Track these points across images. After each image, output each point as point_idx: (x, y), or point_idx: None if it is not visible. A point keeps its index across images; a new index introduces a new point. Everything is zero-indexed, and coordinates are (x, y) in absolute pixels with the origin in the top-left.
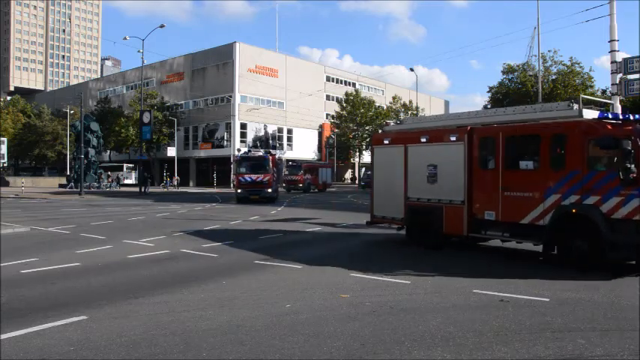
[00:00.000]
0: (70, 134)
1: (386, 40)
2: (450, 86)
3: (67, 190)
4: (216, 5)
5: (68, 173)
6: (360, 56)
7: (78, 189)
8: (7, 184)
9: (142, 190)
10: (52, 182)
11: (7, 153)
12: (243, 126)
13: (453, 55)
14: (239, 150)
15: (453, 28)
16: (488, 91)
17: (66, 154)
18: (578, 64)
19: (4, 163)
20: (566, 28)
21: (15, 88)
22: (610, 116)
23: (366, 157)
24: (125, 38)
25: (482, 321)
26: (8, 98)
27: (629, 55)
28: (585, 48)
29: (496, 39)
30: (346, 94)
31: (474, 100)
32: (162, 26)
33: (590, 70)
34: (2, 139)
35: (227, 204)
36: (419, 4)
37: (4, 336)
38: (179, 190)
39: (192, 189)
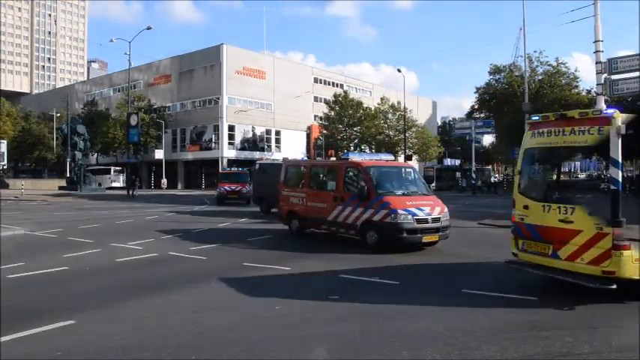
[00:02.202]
0: (56, 137)
1: (341, 40)
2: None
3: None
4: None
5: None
6: (322, 56)
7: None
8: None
9: (130, 193)
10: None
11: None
12: (231, 128)
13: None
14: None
15: (403, 28)
16: (475, 92)
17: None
18: (564, 64)
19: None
20: (551, 28)
21: None
22: None
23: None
24: (112, 40)
25: (471, 320)
26: None
27: (613, 56)
28: (571, 46)
29: (481, 40)
30: (335, 95)
31: (456, 102)
32: (149, 28)
33: (576, 71)
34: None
35: (215, 206)
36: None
37: None
38: (160, 192)
39: (180, 192)
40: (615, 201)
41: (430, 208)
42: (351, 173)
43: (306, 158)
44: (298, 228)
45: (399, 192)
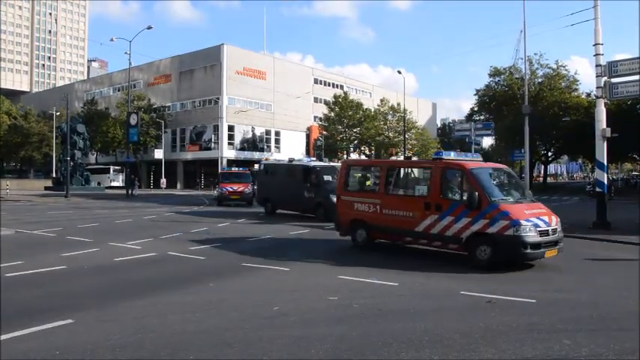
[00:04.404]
0: (56, 136)
1: (339, 41)
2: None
3: (55, 192)
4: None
5: (54, 175)
6: (321, 57)
7: (64, 192)
8: None
9: (130, 192)
10: (38, 185)
11: None
12: (231, 128)
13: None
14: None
15: (399, 30)
16: (475, 94)
17: (52, 156)
18: (564, 67)
19: None
20: (550, 31)
21: None
22: None
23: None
24: (112, 40)
25: (470, 322)
26: None
27: (612, 59)
28: (569, 49)
29: (480, 42)
30: (335, 96)
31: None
32: (149, 27)
33: (576, 74)
34: None
35: (215, 207)
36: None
37: None
38: (159, 192)
39: (179, 191)
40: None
41: (548, 218)
42: (450, 176)
43: (312, 159)
44: (366, 239)
45: (511, 199)
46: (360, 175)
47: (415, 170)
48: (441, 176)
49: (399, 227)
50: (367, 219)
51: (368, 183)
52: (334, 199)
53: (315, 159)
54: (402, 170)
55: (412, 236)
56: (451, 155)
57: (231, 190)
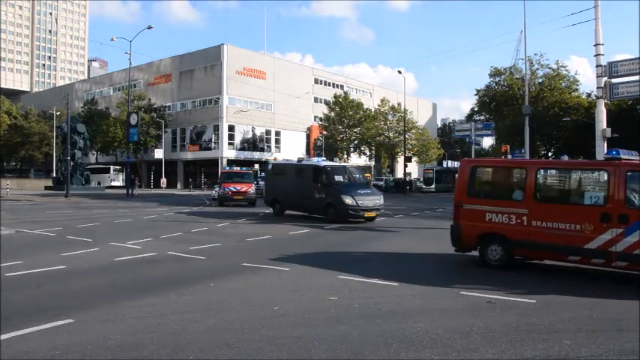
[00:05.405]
0: (56, 136)
1: (338, 41)
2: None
3: (55, 192)
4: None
5: (54, 175)
6: (320, 57)
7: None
8: None
9: (130, 192)
10: (39, 184)
11: None
12: (231, 128)
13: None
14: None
15: (398, 30)
16: (475, 94)
17: (52, 156)
18: (564, 67)
19: None
20: (550, 31)
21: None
22: None
23: (354, 158)
24: (112, 39)
25: (470, 323)
26: None
27: (612, 59)
28: (569, 49)
29: (478, 42)
30: (335, 96)
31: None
32: (149, 27)
33: (576, 74)
34: None
35: (214, 207)
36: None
37: None
38: (159, 192)
39: (179, 191)
40: None
41: None
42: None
43: (323, 159)
44: (503, 256)
45: None
46: (492, 178)
47: (581, 173)
48: (625, 181)
49: (560, 243)
50: (507, 232)
51: (506, 188)
52: (346, 200)
53: (325, 159)
54: (559, 173)
55: (581, 255)
56: (626, 155)
57: (234, 190)
